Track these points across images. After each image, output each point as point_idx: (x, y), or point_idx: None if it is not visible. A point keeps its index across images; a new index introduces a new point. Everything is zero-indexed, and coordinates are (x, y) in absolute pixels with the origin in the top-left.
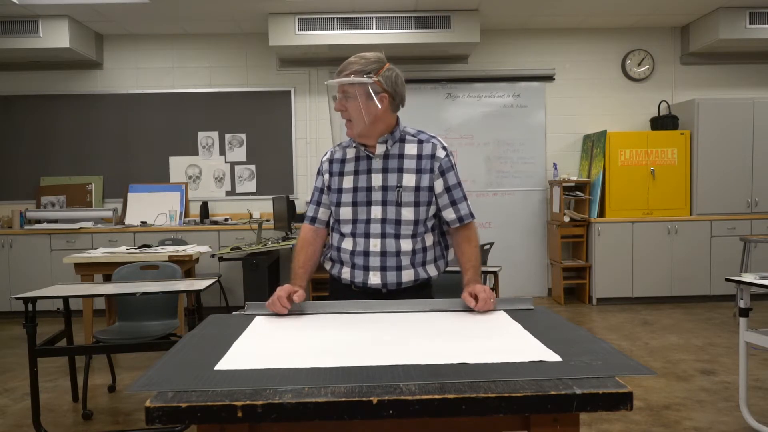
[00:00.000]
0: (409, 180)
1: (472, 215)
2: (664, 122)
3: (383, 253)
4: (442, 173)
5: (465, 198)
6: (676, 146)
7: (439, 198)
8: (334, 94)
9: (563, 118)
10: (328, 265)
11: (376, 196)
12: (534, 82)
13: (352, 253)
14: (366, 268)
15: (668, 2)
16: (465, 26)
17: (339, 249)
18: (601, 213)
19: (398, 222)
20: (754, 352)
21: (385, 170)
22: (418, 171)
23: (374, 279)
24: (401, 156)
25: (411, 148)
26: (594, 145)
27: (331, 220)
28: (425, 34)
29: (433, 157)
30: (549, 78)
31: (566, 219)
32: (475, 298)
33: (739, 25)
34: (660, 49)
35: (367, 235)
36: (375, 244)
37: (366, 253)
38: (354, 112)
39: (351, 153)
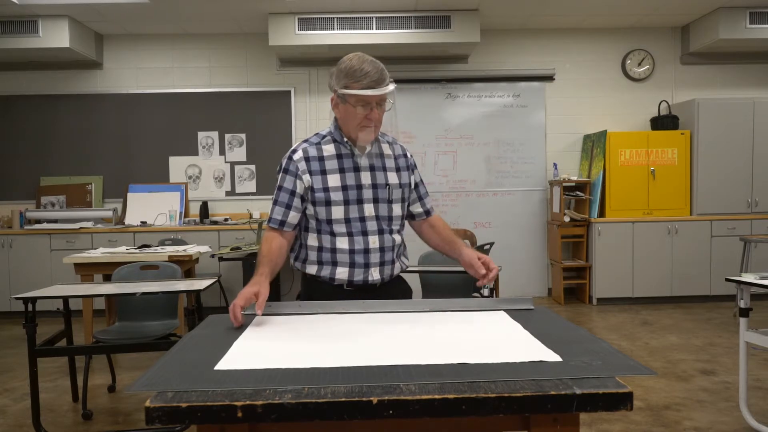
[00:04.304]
0: (393, 178)
1: (432, 209)
2: (664, 122)
3: (382, 249)
4: (412, 171)
5: (427, 193)
6: (676, 146)
7: (410, 193)
8: (366, 102)
9: (563, 118)
10: (312, 269)
11: (367, 194)
12: (534, 82)
13: (351, 251)
14: (366, 266)
15: (668, 2)
16: (465, 26)
17: (334, 250)
18: (601, 213)
19: (390, 218)
20: (754, 352)
21: (372, 168)
22: (398, 169)
23: (375, 275)
24: (381, 155)
25: (386, 148)
26: (594, 145)
27: (311, 223)
28: (425, 34)
29: (405, 156)
30: (549, 78)
31: (566, 219)
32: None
33: (739, 25)
34: (660, 49)
35: (364, 233)
36: (374, 241)
37: (366, 251)
38: (381, 118)
39: (329, 150)
